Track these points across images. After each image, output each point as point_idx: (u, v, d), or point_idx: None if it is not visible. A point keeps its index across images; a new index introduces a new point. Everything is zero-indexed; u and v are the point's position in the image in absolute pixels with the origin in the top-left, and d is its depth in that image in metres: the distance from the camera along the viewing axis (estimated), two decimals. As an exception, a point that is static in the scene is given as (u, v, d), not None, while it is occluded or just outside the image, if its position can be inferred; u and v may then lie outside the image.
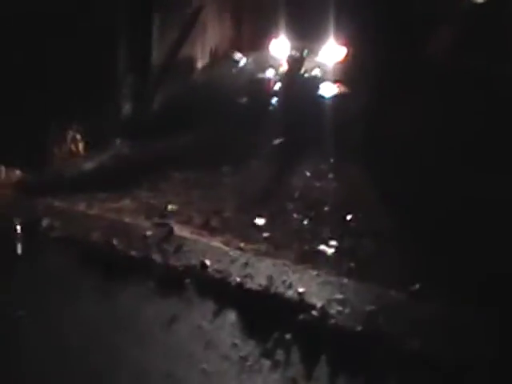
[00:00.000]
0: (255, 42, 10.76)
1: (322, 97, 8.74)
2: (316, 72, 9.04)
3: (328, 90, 8.91)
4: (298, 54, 8.87)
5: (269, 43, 9.51)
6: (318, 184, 6.16)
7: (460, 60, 10.66)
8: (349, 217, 5.36)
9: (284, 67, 8.95)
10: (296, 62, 8.85)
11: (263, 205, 5.51)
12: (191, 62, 9.45)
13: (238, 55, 10.10)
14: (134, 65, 7.96)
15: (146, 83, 8.26)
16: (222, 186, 5.96)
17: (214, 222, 5.07)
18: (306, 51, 8.92)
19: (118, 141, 7.12)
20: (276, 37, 9.40)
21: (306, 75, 8.90)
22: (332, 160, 6.76)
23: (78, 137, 6.70)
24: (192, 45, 9.44)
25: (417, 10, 10.48)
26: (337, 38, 9.26)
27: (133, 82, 7.94)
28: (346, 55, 9.30)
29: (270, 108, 8.42)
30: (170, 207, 5.28)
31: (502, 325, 3.68)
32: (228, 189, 5.88)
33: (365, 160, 6.84)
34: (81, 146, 6.70)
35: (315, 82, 8.87)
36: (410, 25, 10.33)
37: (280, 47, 9.23)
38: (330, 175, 6.41)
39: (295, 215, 5.35)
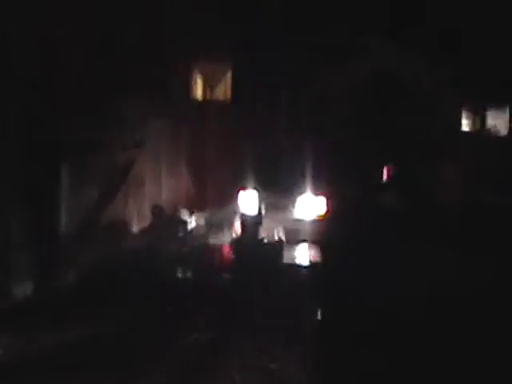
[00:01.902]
0: (216, 195, 8.82)
1: (294, 266, 6.62)
2: (280, 235, 6.97)
3: (301, 257, 6.83)
4: (253, 213, 6.86)
5: (232, 197, 7.52)
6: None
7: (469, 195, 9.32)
8: None
9: (237, 230, 6.92)
10: (252, 223, 6.81)
11: None
12: (122, 224, 7.43)
13: (186, 214, 8.04)
14: (35, 231, 6.23)
15: (51, 255, 6.34)
16: None
17: None
18: (263, 207, 6.96)
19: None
20: (242, 189, 7.38)
21: (266, 240, 6.82)
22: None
23: None
24: (124, 203, 7.50)
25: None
26: (315, 186, 7.33)
27: (33, 253, 6.14)
28: (327, 209, 7.27)
29: (219, 284, 6.32)
30: None
31: None
32: None
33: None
34: None
35: (278, 248, 6.76)
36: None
37: (245, 202, 7.20)
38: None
39: None
